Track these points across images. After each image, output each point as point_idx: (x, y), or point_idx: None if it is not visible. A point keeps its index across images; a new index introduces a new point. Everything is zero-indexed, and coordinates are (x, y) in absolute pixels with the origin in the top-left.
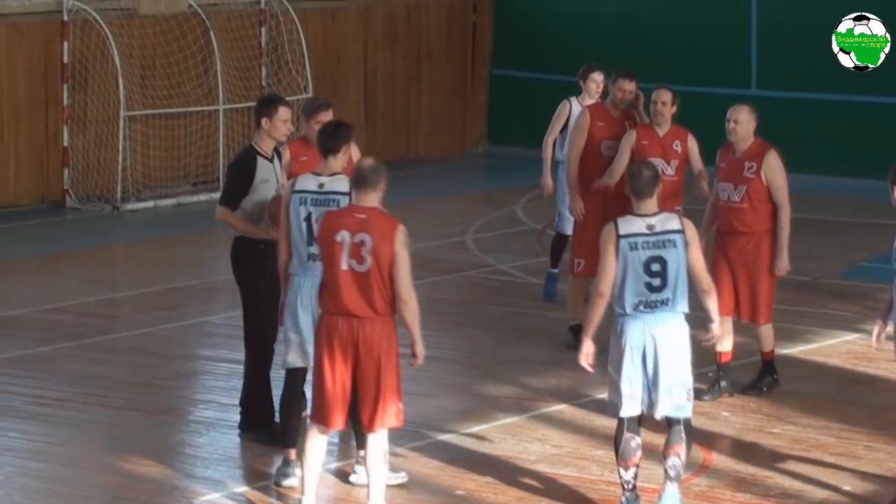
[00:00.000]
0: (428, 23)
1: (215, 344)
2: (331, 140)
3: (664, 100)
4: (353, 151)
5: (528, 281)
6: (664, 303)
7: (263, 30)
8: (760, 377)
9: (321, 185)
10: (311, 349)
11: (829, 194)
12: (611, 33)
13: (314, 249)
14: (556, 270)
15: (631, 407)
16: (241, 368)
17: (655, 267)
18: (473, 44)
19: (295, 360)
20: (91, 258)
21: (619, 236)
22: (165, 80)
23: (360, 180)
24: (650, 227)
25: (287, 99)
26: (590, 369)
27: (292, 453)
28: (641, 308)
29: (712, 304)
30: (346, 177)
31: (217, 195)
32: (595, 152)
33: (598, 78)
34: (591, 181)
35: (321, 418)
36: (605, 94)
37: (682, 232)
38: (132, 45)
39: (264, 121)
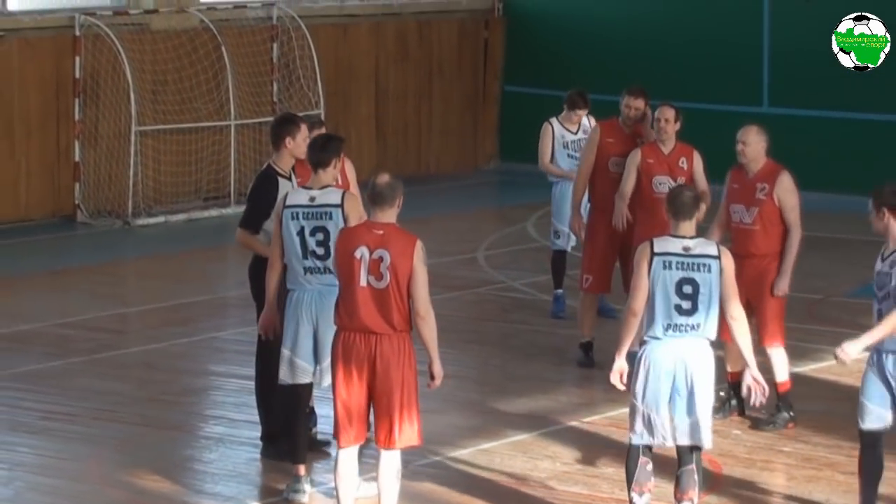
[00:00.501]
0: (440, 39)
1: (226, 360)
2: (321, 153)
3: (667, 117)
4: (348, 167)
5: (539, 298)
6: (693, 328)
7: (275, 45)
8: (776, 412)
9: (312, 199)
10: (302, 363)
11: (841, 212)
12: (623, 50)
13: (309, 263)
14: (560, 291)
15: (651, 436)
16: (250, 384)
17: (687, 289)
18: (485, 60)
19: (284, 376)
20: (101, 273)
21: (653, 253)
22: (177, 96)
23: (376, 197)
24: (686, 248)
25: (299, 115)
26: (621, 387)
27: (301, 469)
28: (670, 332)
29: (741, 335)
30: (337, 189)
31: (228, 211)
32: (604, 169)
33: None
34: (599, 197)
35: (337, 434)
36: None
37: (718, 258)
38: (144, 60)
39: (288, 140)
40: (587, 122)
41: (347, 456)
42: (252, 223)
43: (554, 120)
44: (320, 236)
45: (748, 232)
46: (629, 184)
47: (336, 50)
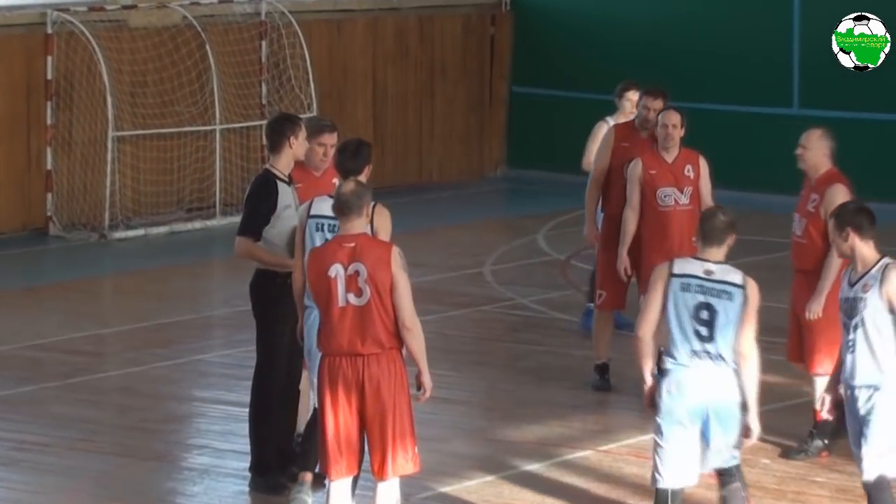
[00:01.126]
0: (442, 35)
1: (211, 384)
2: (353, 160)
3: (673, 122)
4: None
5: (551, 316)
6: (715, 356)
7: (264, 43)
8: (809, 440)
9: None
10: None
11: (887, 225)
12: (643, 48)
13: None
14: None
15: (679, 477)
16: (237, 410)
17: (704, 314)
18: (492, 58)
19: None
20: (76, 291)
21: (671, 274)
22: (157, 98)
23: (343, 207)
24: (708, 272)
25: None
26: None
27: (308, 476)
28: (695, 358)
29: (747, 375)
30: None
31: (213, 223)
32: (617, 175)
33: (634, 97)
34: (613, 206)
35: (325, 467)
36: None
37: (742, 287)
38: (122, 59)
39: (291, 140)
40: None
41: (340, 489)
42: (253, 230)
43: (610, 119)
44: None
45: (798, 245)
46: (635, 197)
47: (330, 48)
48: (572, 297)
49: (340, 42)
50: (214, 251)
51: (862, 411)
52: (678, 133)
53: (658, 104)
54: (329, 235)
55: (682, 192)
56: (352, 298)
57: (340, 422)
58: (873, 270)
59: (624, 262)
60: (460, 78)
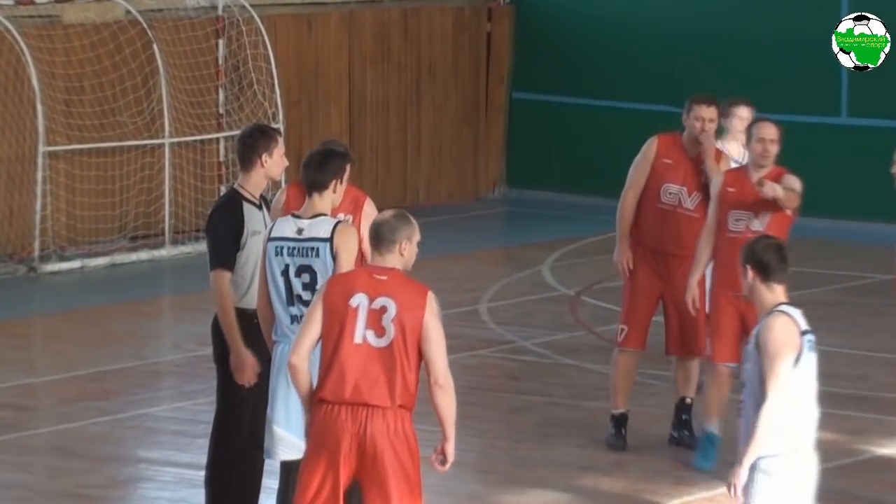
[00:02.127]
0: (430, 32)
1: (160, 443)
2: (316, 172)
3: (772, 136)
4: (368, 208)
5: (558, 361)
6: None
7: (221, 42)
8: None
9: (300, 231)
10: (289, 437)
11: None
12: (664, 49)
13: (296, 310)
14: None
15: None
16: (191, 474)
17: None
18: (488, 59)
19: (285, 451)
20: (1, 334)
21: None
22: (96, 107)
23: (379, 238)
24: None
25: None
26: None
27: None
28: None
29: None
30: (329, 218)
31: (161, 253)
32: (653, 196)
33: (746, 115)
34: (644, 232)
35: None
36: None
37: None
38: (54, 62)
39: (264, 157)
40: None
41: None
42: (226, 260)
43: (717, 142)
44: (306, 278)
45: None
46: (714, 220)
47: (298, 47)
48: (582, 340)
49: (311, 40)
50: (163, 286)
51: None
52: (776, 149)
53: (711, 112)
54: (289, 259)
55: (757, 217)
56: (371, 337)
57: (326, 487)
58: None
59: (693, 292)
60: (451, 82)
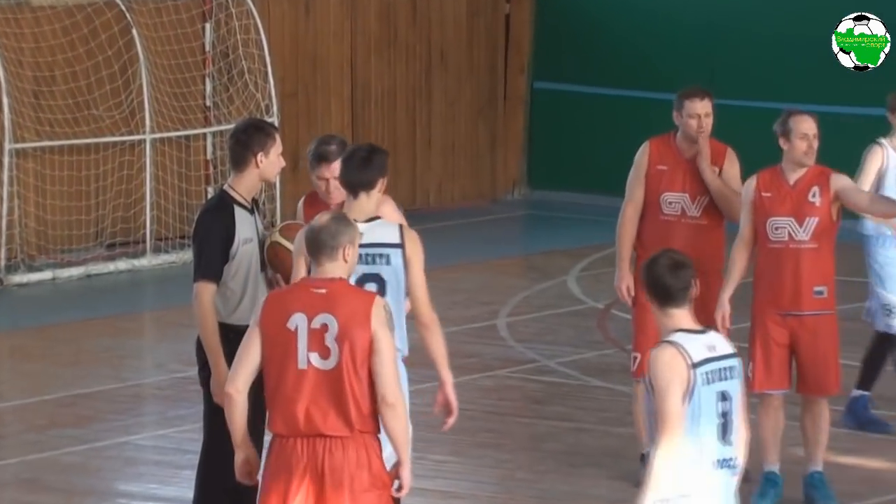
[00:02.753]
0: (441, 15)
1: (140, 475)
2: (362, 172)
3: (815, 131)
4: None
5: (585, 383)
6: None
7: (208, 26)
8: None
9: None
10: None
11: None
12: (703, 28)
13: None
14: (864, 393)
15: None
16: None
17: None
18: (506, 45)
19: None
20: None
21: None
22: (69, 99)
23: (316, 244)
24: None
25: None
26: None
27: None
28: None
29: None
30: (389, 222)
31: (142, 262)
32: (653, 208)
33: None
34: (647, 248)
35: None
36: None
37: None
38: (21, 49)
39: (260, 157)
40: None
41: None
42: (213, 271)
43: (884, 140)
44: (373, 287)
45: None
46: (747, 229)
47: (294, 32)
48: (612, 358)
49: (308, 24)
50: (144, 300)
51: None
52: (815, 145)
53: (707, 107)
54: (361, 269)
55: (800, 225)
56: (315, 360)
57: None
58: None
59: (724, 308)
60: (465, 71)
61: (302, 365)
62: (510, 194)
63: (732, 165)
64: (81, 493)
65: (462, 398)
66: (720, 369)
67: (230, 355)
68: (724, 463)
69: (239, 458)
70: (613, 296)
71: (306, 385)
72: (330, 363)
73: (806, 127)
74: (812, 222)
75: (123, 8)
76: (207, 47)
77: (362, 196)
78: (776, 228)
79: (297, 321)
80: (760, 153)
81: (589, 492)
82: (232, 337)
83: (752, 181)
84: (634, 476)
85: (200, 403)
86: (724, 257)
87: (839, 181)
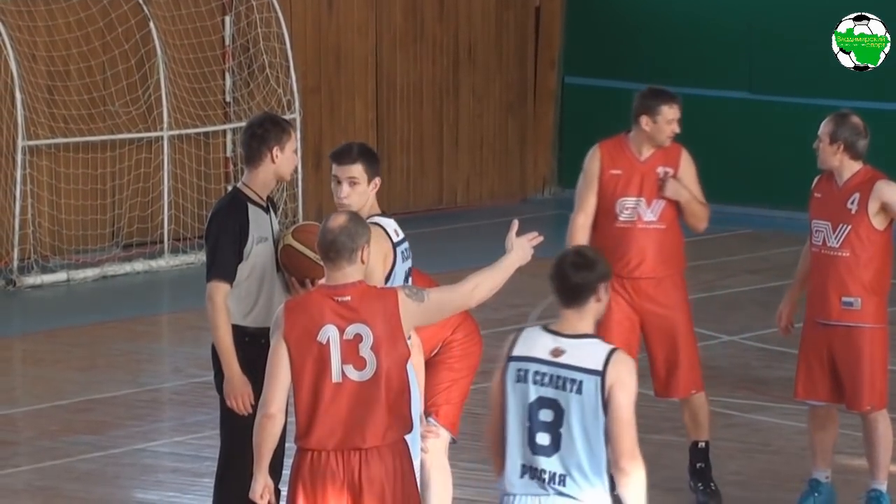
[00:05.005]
0: (469, 9)
1: (158, 483)
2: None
3: (819, 132)
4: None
5: None
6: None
7: (228, 20)
8: None
9: (397, 232)
10: None
11: None
12: (741, 21)
13: None
14: None
15: None
16: None
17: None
18: (536, 39)
19: None
20: None
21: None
22: (84, 95)
23: (337, 249)
24: None
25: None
26: None
27: None
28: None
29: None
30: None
31: (160, 263)
32: (609, 215)
33: None
34: (607, 257)
35: None
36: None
37: None
38: (35, 42)
39: (275, 151)
40: None
41: None
42: (227, 270)
43: None
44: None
45: None
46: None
47: (318, 26)
48: (646, 363)
49: (331, 17)
50: (161, 302)
51: None
52: (823, 149)
53: (679, 112)
54: (406, 265)
55: (834, 231)
56: (350, 372)
57: None
58: None
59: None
60: (493, 66)
61: (336, 378)
62: (540, 193)
63: (689, 166)
64: (97, 502)
65: (489, 404)
66: (554, 376)
67: (244, 360)
68: (532, 472)
69: (260, 484)
70: None
71: (343, 398)
72: (366, 374)
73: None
74: (845, 229)
75: (141, 2)
76: (227, 41)
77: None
78: (817, 231)
79: (329, 333)
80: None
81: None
82: (247, 340)
83: (815, 182)
84: (667, 483)
85: (219, 409)
86: (683, 260)
87: (884, 192)
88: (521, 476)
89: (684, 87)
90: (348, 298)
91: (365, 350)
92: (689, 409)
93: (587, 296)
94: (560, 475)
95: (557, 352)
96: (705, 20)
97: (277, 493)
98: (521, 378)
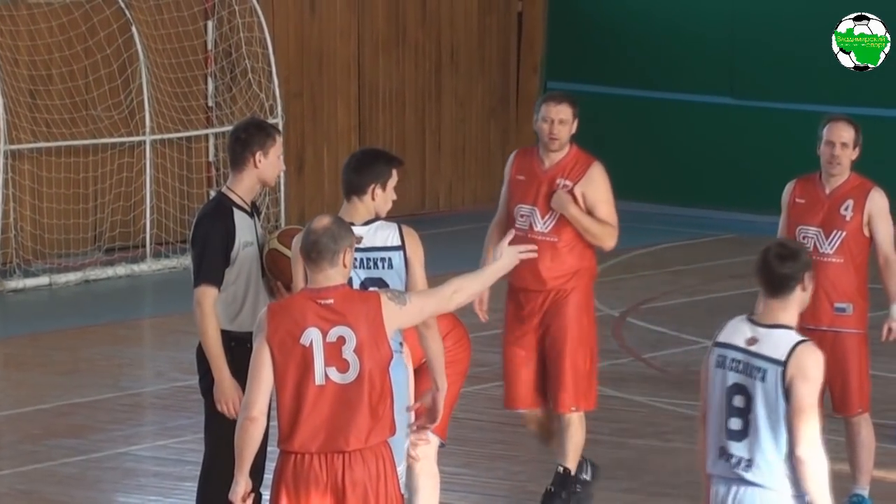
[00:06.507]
0: (451, 13)
1: (140, 486)
2: (354, 175)
3: (844, 139)
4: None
5: (601, 392)
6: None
7: (210, 24)
8: None
9: (357, 240)
10: None
11: None
12: (724, 27)
13: None
14: None
15: None
16: None
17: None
18: (519, 44)
19: None
20: None
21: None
22: (66, 99)
23: (320, 251)
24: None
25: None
26: None
27: None
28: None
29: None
30: (388, 222)
31: (142, 267)
32: (511, 220)
33: None
34: (513, 271)
35: None
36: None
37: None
38: (17, 47)
39: (258, 156)
40: None
41: None
42: (215, 275)
43: None
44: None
45: None
46: (783, 234)
47: (300, 31)
48: (628, 368)
49: (314, 22)
50: (144, 306)
51: None
52: (848, 155)
53: (566, 112)
54: (362, 274)
55: (827, 237)
56: (333, 374)
57: None
58: None
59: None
60: (476, 70)
61: (320, 381)
62: None
63: (598, 182)
64: None
65: (473, 408)
66: (745, 363)
67: (232, 363)
68: (726, 456)
69: (241, 487)
70: (629, 303)
71: (326, 401)
72: (349, 376)
73: (833, 134)
74: (840, 235)
75: (123, 5)
76: (209, 45)
77: (355, 200)
78: (804, 238)
79: (312, 336)
80: (788, 156)
81: None
82: (234, 345)
83: (791, 186)
84: (649, 488)
85: (202, 413)
86: (587, 276)
87: (874, 203)
88: (718, 458)
89: (666, 91)
90: (331, 301)
91: (348, 352)
92: (558, 424)
93: (793, 285)
94: (747, 460)
95: (752, 340)
96: (687, 25)
97: (259, 497)
98: (721, 364)
